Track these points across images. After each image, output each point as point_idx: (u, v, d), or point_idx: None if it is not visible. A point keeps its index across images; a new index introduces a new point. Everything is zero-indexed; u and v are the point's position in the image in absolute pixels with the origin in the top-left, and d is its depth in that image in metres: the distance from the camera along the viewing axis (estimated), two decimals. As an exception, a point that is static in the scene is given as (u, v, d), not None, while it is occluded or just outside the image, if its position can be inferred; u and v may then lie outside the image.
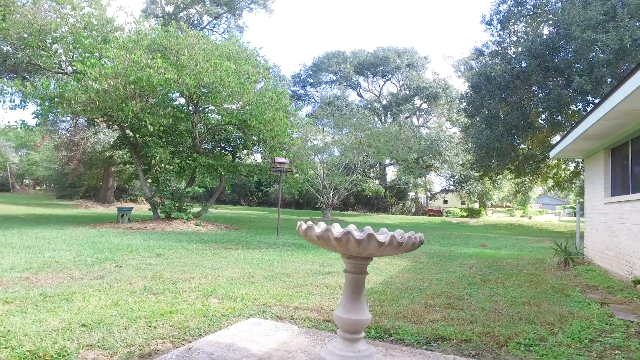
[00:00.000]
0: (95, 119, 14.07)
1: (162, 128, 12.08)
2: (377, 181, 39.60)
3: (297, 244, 9.99)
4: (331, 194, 30.64)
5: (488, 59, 21.36)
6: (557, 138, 24.44)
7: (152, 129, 10.89)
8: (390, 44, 63.42)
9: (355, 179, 31.89)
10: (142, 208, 25.39)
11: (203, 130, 14.93)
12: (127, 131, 13.85)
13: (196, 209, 15.86)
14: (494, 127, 18.56)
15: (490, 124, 18.76)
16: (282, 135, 13.50)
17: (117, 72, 9.49)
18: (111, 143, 17.81)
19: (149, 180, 15.37)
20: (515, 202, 52.26)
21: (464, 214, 45.27)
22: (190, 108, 14.36)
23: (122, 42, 10.28)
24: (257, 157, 23.38)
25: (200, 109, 14.25)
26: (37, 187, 46.51)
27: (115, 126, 13.84)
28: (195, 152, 14.93)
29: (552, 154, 10.15)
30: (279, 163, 11.68)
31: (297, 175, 16.89)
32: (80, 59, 10.10)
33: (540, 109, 16.79)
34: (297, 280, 5.43)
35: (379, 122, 43.25)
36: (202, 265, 6.27)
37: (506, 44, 19.18)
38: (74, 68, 10.35)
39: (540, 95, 17.01)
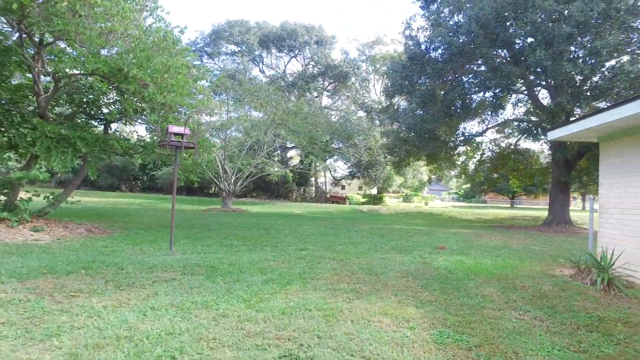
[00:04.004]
0: None
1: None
2: (277, 167, 35.92)
3: (206, 267, 6.06)
4: (233, 180, 26.28)
5: (416, 32, 19.09)
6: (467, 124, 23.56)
7: None
8: (295, 19, 59.80)
9: (260, 162, 27.96)
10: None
11: (52, 83, 9.72)
12: None
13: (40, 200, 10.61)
14: (431, 107, 16.33)
15: (426, 102, 16.47)
16: (179, 94, 9.04)
17: None
18: None
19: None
20: (409, 189, 53.56)
21: (364, 200, 44.38)
22: (24, 44, 9.07)
23: None
24: (142, 131, 18.17)
25: (45, 46, 9.04)
26: None
27: None
28: (39, 116, 9.75)
29: (556, 134, 7.74)
30: (175, 134, 7.45)
31: (206, 154, 12.34)
32: None
33: (491, 85, 14.89)
34: None
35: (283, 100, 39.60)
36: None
37: (444, 14, 16.93)
38: None
39: (484, 70, 15.12)
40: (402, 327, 3.74)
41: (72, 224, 10.39)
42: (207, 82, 14.56)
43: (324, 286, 5.24)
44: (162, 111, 9.92)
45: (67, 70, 9.38)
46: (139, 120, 12.84)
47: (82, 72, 9.76)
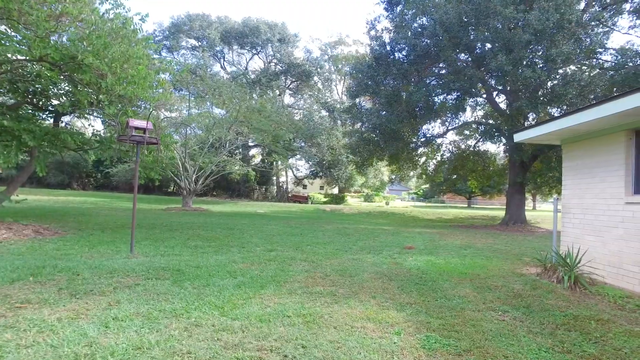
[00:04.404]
0: None
1: None
2: (239, 165, 35.26)
3: (172, 270, 5.67)
4: (193, 178, 25.45)
5: (380, 33, 19.21)
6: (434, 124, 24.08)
7: None
8: (258, 15, 58.86)
9: (222, 160, 27.24)
10: None
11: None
12: None
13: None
14: (396, 107, 16.47)
15: (391, 102, 16.60)
16: (140, 86, 8.45)
17: None
18: None
19: None
20: (370, 189, 54.28)
21: (325, 199, 44.47)
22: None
23: None
24: (98, 125, 17.09)
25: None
26: None
27: None
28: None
29: (522, 136, 7.92)
30: (136, 128, 6.95)
31: (167, 151, 11.69)
32: None
33: (454, 88, 15.22)
34: None
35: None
36: None
37: (408, 17, 17.16)
38: None
39: (447, 73, 15.44)
40: (388, 332, 3.59)
41: (16, 225, 9.54)
42: (169, 74, 13.91)
43: (299, 290, 5.01)
44: (121, 104, 9.27)
45: (9, 54, 8.55)
46: (95, 114, 12.01)
47: (27, 57, 8.94)
